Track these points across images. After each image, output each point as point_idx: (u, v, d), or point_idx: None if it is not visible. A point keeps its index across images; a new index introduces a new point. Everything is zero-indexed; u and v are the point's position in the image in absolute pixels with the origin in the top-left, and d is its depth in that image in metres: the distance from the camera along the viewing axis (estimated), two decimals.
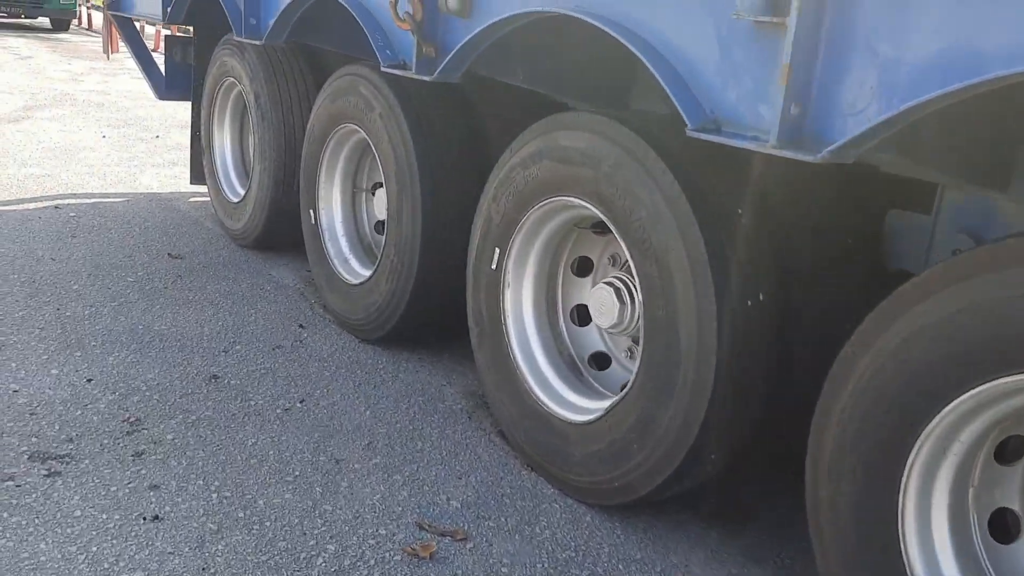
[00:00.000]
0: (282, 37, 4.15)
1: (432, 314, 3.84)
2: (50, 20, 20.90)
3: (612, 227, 2.62)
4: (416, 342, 4.01)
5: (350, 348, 3.97)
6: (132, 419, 3.15)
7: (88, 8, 23.07)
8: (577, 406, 2.93)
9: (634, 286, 2.80)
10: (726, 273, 2.34)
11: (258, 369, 3.67)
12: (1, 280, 4.38)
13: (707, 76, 2.14)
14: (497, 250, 3.08)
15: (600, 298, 2.87)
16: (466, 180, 3.61)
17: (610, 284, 2.85)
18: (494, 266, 3.11)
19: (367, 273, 4.03)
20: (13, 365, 3.48)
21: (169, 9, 5.32)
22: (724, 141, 2.09)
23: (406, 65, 3.27)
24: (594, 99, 3.32)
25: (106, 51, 6.53)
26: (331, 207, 4.30)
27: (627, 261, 2.98)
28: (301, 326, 4.17)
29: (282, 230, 5.03)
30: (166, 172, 7.19)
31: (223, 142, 5.52)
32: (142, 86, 12.39)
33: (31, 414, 3.13)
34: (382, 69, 3.31)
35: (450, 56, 2.94)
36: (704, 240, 2.33)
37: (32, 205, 5.79)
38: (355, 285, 4.03)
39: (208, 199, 6.31)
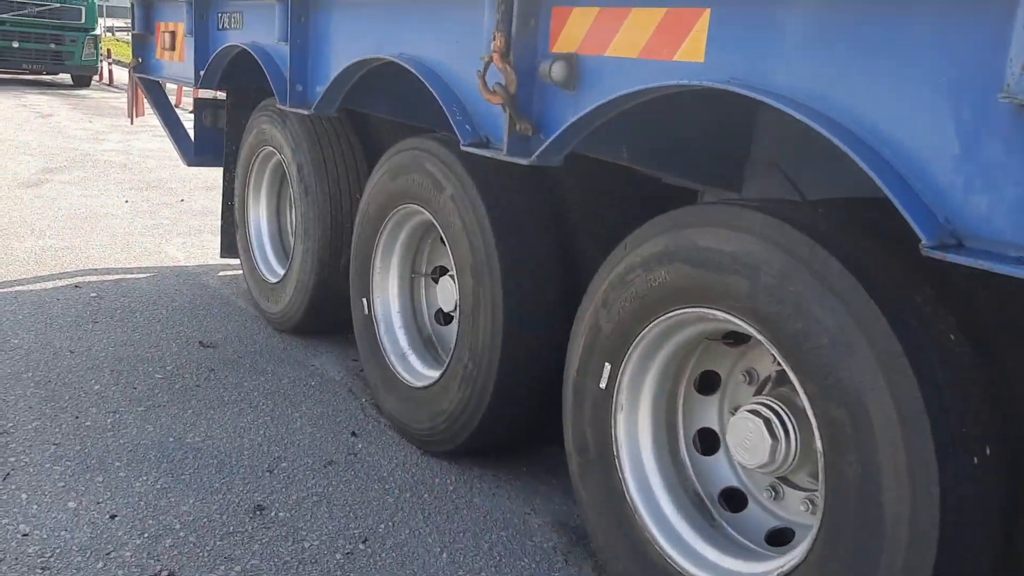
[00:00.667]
0: (334, 107, 3.67)
1: (512, 428, 3.30)
2: (71, 76, 20.80)
3: (778, 355, 2.08)
4: (487, 455, 3.46)
5: (413, 463, 3.42)
6: (165, 573, 2.60)
7: (110, 64, 23.00)
8: (714, 566, 2.37)
9: (787, 414, 2.26)
10: (947, 421, 1.79)
11: (309, 495, 3.12)
12: (13, 380, 3.87)
13: (943, 175, 1.62)
14: (608, 366, 2.55)
15: (743, 430, 2.32)
16: (554, 274, 3.10)
17: (756, 413, 2.30)
18: (603, 384, 2.57)
19: (432, 375, 3.50)
20: (24, 497, 2.95)
21: (202, 72, 4.88)
22: (972, 263, 1.56)
23: (489, 143, 2.77)
24: (715, 182, 2.82)
25: (131, 115, 6.11)
26: (387, 295, 3.79)
27: (769, 379, 2.46)
28: (354, 434, 3.63)
29: (326, 316, 4.53)
30: (193, 241, 6.73)
31: (259, 216, 5.04)
32: (164, 145, 12.06)
33: (43, 568, 2.58)
34: (462, 148, 2.81)
35: (554, 136, 2.44)
36: (918, 379, 1.79)
37: (50, 284, 5.31)
38: (418, 388, 3.49)
39: (239, 273, 5.83)
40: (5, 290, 5.12)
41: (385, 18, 3.33)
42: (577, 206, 3.20)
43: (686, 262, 2.28)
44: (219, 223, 7.16)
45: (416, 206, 3.42)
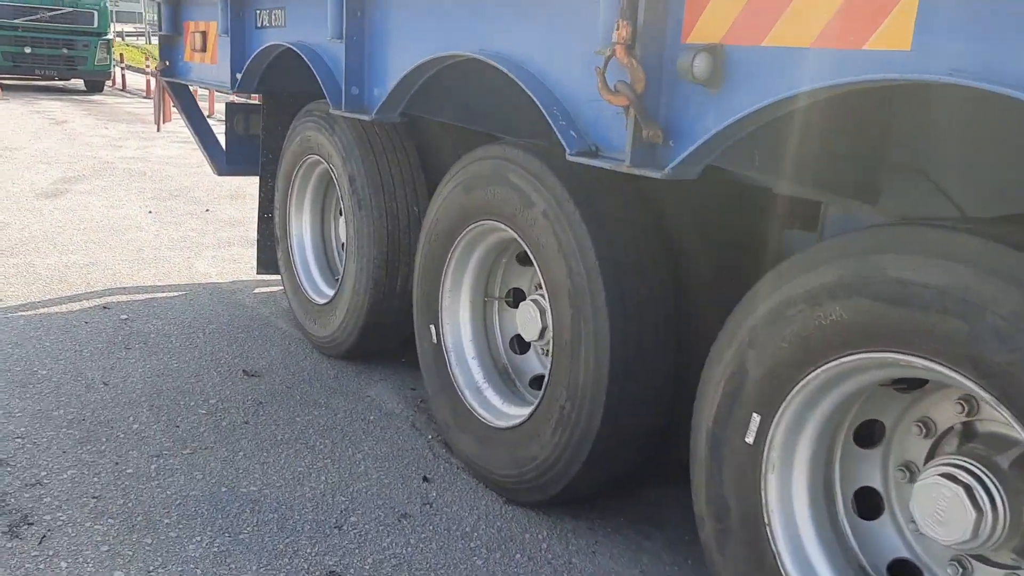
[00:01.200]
0: (396, 111, 3.28)
1: (615, 478, 2.90)
2: (84, 82, 20.51)
3: (1009, 415, 1.67)
4: (581, 504, 3.06)
5: (496, 514, 3.03)
6: None
7: (123, 69, 22.71)
8: None
9: (991, 480, 1.85)
10: None
11: (387, 558, 2.72)
12: (44, 419, 3.49)
13: None
14: (756, 417, 2.14)
15: (935, 499, 1.91)
16: (665, 301, 2.70)
17: (952, 478, 1.89)
18: (750, 439, 2.16)
19: (514, 413, 3.10)
20: (64, 566, 2.57)
21: (239, 76, 4.49)
22: None
23: (600, 152, 2.37)
24: (845, 192, 2.44)
25: (158, 122, 5.74)
26: (458, 321, 3.39)
27: (950, 432, 2.05)
28: (425, 479, 3.23)
29: (380, 341, 4.14)
30: (223, 255, 6.35)
31: (303, 231, 4.65)
32: (184, 151, 11.74)
33: None
34: (568, 158, 2.40)
35: (698, 144, 2.03)
36: None
37: (77, 305, 4.93)
38: (500, 429, 3.10)
39: (276, 290, 5.45)
40: (30, 312, 4.75)
41: (459, 10, 2.93)
42: (686, 223, 2.80)
43: (872, 297, 1.86)
44: (251, 235, 6.82)
45: (496, 223, 3.02)
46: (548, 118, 2.45)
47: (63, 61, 19.33)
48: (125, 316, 4.79)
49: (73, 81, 20.70)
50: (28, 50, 18.78)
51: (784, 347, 2.06)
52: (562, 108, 2.47)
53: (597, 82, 2.19)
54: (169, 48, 5.54)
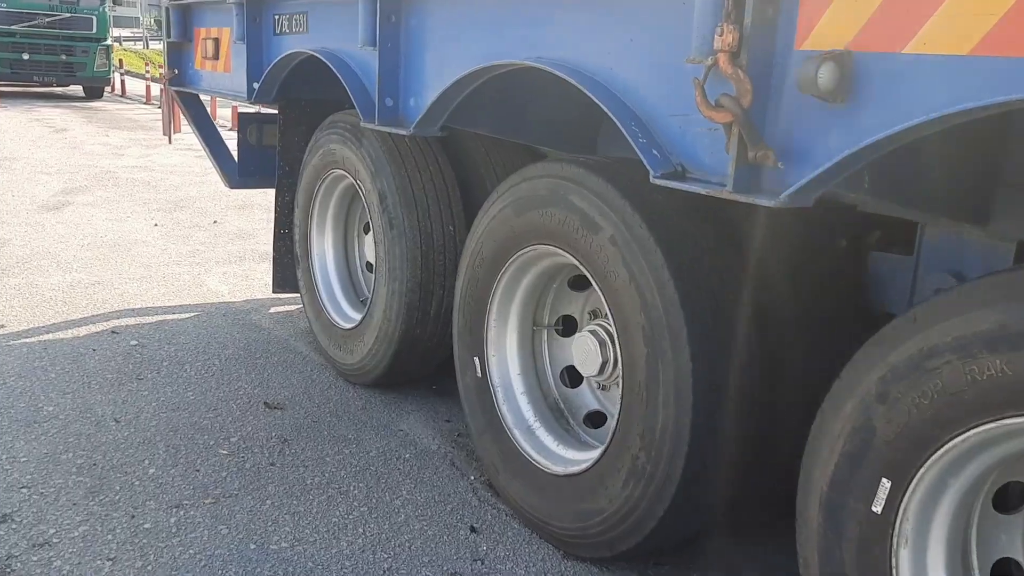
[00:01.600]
0: (437, 125, 2.99)
1: (692, 534, 2.61)
2: (83, 88, 20.20)
3: None
4: (649, 558, 2.77)
5: (555, 572, 2.73)
6: None
7: (122, 75, 22.40)
8: None
9: None
10: None
11: None
12: (52, 464, 3.19)
13: None
14: (887, 483, 1.84)
15: None
16: (752, 339, 2.40)
17: None
18: (879, 508, 1.86)
19: (576, 459, 2.81)
20: None
21: (256, 85, 4.20)
22: None
23: (687, 174, 2.08)
24: (951, 212, 2.16)
25: (167, 133, 5.44)
26: (505, 353, 3.09)
27: None
28: (473, 529, 2.93)
29: (413, 368, 3.85)
30: (234, 271, 6.05)
31: (325, 249, 4.36)
32: (187, 159, 11.44)
33: None
34: (653, 180, 2.11)
35: (822, 170, 1.73)
36: None
37: (84, 330, 4.64)
38: (556, 476, 2.80)
39: (292, 309, 5.16)
40: (33, 340, 4.45)
41: (512, 13, 2.63)
42: (769, 248, 2.50)
43: None
44: (261, 248, 6.53)
45: (552, 247, 2.72)
46: (627, 135, 2.16)
47: (62, 67, 19.02)
48: (135, 342, 4.50)
49: (72, 87, 20.39)
50: (26, 56, 18.47)
51: (924, 404, 1.76)
52: (641, 124, 2.18)
53: (695, 95, 1.89)
54: (178, 56, 5.24)
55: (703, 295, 2.35)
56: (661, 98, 2.14)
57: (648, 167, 2.11)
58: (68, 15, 18.70)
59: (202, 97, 5.53)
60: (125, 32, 45.08)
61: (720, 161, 1.96)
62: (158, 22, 65.24)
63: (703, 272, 2.37)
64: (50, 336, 4.52)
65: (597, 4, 2.33)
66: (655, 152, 2.12)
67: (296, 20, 3.87)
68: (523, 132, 3.16)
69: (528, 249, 2.83)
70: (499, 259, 2.95)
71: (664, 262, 2.34)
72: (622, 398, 2.52)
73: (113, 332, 4.63)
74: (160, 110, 5.35)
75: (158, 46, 46.65)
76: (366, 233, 4.34)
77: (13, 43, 18.24)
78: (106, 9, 19.67)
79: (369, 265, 4.30)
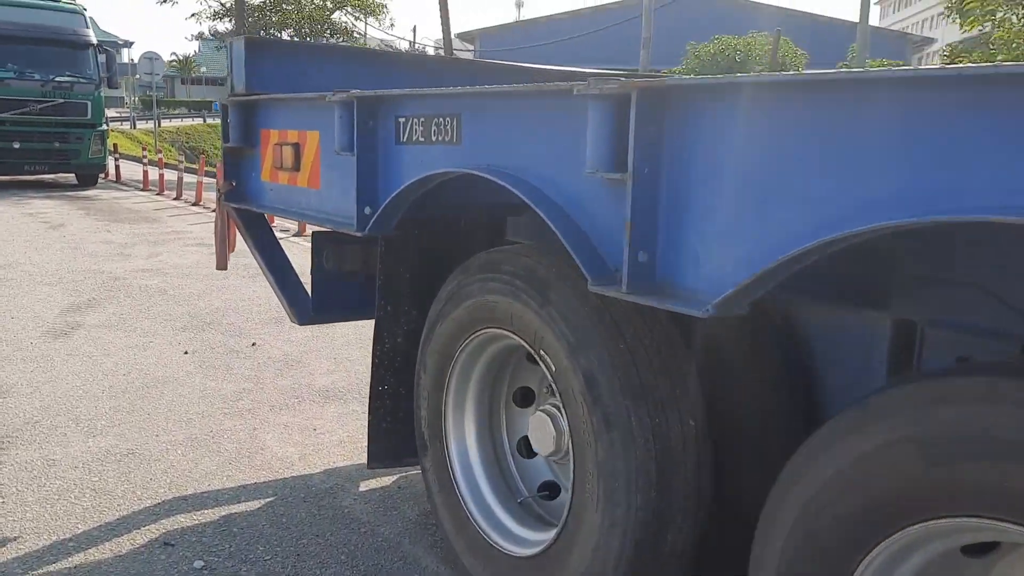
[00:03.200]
0: (749, 300, 1.86)
1: None
2: (76, 175, 19.16)
3: None
4: None
5: None
6: None
7: (116, 160, 21.38)
8: None
9: None
10: None
11: None
12: None
13: None
14: None
15: None
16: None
17: None
18: None
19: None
20: None
21: (371, 210, 3.08)
22: None
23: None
24: None
25: (221, 259, 4.29)
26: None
27: None
28: None
29: None
30: (296, 422, 4.86)
31: (465, 432, 3.17)
32: (200, 257, 10.29)
33: None
34: None
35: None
36: None
37: (126, 542, 3.42)
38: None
39: (386, 485, 3.98)
40: (59, 566, 3.23)
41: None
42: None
43: None
44: (318, 382, 5.36)
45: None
46: None
47: (55, 155, 18.01)
48: (200, 563, 3.28)
49: (63, 174, 19.32)
50: (17, 145, 17.45)
51: None
52: None
53: None
54: (235, 164, 4.13)
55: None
56: None
57: None
58: (61, 101, 17.74)
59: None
60: (111, 112, 44.39)
61: None
62: (144, 102, 65.02)
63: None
64: (81, 558, 3.29)
65: None
66: None
67: (440, 126, 2.77)
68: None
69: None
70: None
71: None
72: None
73: (166, 544, 3.41)
74: (213, 226, 4.22)
75: (144, 126, 46.01)
76: (517, 403, 3.19)
77: (2, 132, 17.23)
78: (101, 94, 18.76)
79: (522, 447, 3.15)
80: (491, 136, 2.59)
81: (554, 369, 2.59)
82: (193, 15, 35.37)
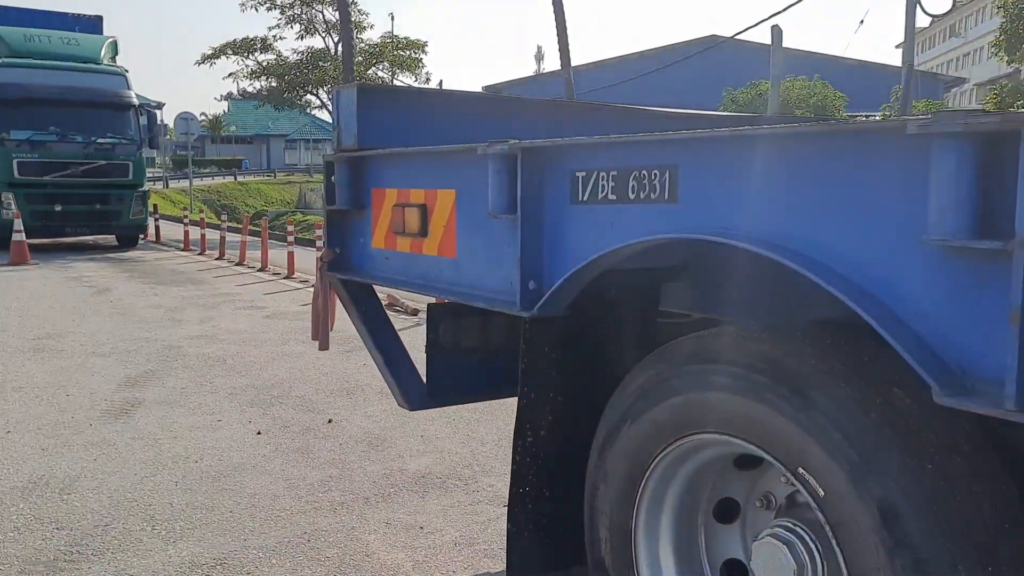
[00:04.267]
0: None
1: None
2: (116, 236, 18.92)
3: None
4: None
5: None
6: None
7: (156, 220, 21.18)
8: None
9: None
10: None
11: None
12: None
13: None
14: None
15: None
16: None
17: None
18: None
19: None
20: None
21: (537, 285, 2.52)
22: None
23: None
24: None
25: (320, 337, 3.72)
26: None
27: None
28: None
29: None
30: (400, 518, 4.25)
31: (658, 557, 2.55)
32: (254, 321, 9.81)
33: None
34: None
35: None
36: None
37: None
38: None
39: None
40: None
41: None
42: None
43: None
44: (411, 467, 4.76)
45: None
46: None
47: (96, 217, 17.79)
48: None
49: (103, 235, 19.09)
50: (58, 208, 17.27)
51: None
52: None
53: None
54: (340, 229, 3.59)
55: None
56: None
57: None
58: (103, 162, 17.58)
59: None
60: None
61: None
62: (175, 161, 65.68)
63: None
64: None
65: None
66: None
67: (642, 180, 2.20)
68: None
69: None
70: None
71: None
72: None
73: None
74: (311, 304, 3.62)
75: (176, 184, 46.15)
76: (721, 520, 2.57)
77: (44, 195, 17.06)
78: (142, 155, 18.60)
79: (730, 570, 2.52)
80: (715, 198, 2.01)
81: (822, 494, 1.97)
82: (231, 74, 35.29)
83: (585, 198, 2.40)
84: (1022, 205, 1.38)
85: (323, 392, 6.71)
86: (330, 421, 5.92)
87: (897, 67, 30.56)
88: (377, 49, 30.42)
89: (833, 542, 1.96)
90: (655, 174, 2.18)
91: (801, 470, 2.00)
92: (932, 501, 1.80)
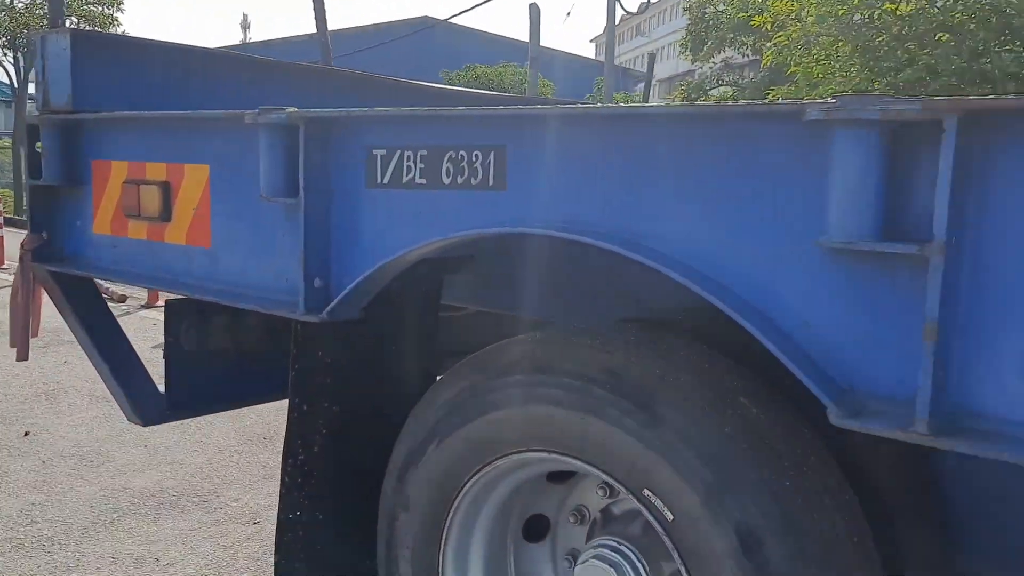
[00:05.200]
0: None
1: None
2: None
3: None
4: None
5: None
6: None
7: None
8: None
9: None
10: None
11: None
12: None
13: None
14: None
15: None
16: None
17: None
18: None
19: None
20: None
21: (322, 283, 2.11)
22: None
23: None
24: None
25: (20, 347, 2.95)
26: None
27: None
28: None
29: None
30: (128, 551, 3.60)
31: None
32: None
33: None
34: None
35: None
36: None
37: None
38: None
39: None
40: None
41: None
42: None
43: None
44: (147, 485, 4.14)
45: None
46: None
47: None
48: None
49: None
50: None
51: None
52: None
53: None
54: (47, 210, 2.89)
55: None
56: None
57: None
58: None
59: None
60: None
61: None
62: None
63: None
64: None
65: None
66: None
67: (461, 164, 1.87)
68: None
69: None
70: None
71: None
72: None
73: None
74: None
75: None
76: (529, 539, 2.33)
77: None
78: None
79: None
80: (554, 183, 1.74)
81: (671, 518, 1.78)
82: None
83: (386, 181, 2.02)
84: (942, 205, 1.23)
85: (15, 398, 5.67)
86: (27, 434, 4.99)
87: (592, 59, 32.32)
88: None
89: (683, 569, 1.78)
90: (476, 155, 1.86)
91: (647, 492, 1.79)
92: (792, 522, 1.67)
